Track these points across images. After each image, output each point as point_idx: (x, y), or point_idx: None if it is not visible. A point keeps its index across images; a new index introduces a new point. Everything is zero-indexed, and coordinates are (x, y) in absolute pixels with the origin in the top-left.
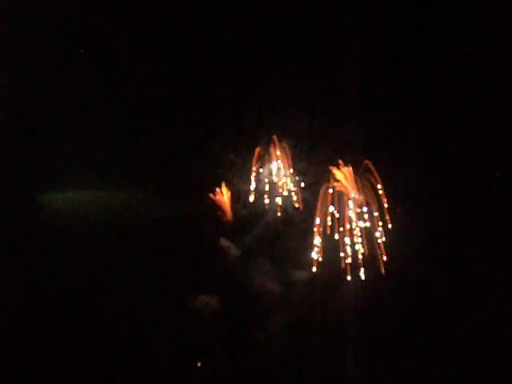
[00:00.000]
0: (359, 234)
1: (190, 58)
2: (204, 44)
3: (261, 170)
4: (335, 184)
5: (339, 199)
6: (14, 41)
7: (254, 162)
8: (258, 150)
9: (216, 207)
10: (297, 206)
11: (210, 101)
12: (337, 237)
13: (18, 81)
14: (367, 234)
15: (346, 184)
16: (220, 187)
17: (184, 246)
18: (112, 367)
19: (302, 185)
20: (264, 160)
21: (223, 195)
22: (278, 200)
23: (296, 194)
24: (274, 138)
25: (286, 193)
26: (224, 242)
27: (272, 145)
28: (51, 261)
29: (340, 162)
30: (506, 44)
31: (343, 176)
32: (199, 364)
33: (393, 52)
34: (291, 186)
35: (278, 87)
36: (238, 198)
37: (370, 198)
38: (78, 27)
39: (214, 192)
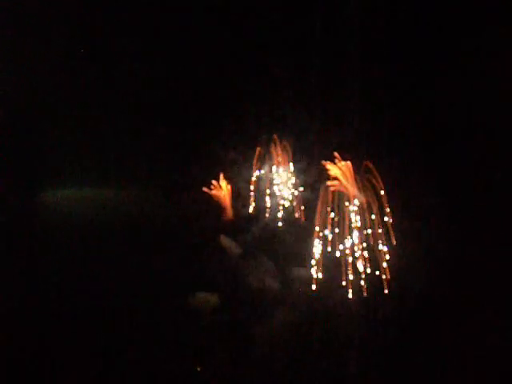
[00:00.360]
0: (361, 249)
1: (190, 58)
2: (204, 44)
3: (262, 170)
4: (333, 183)
5: (339, 202)
6: (14, 41)
7: (254, 161)
8: (258, 149)
9: (216, 205)
10: (297, 215)
11: (210, 100)
12: (338, 254)
13: (18, 80)
14: (370, 250)
15: (346, 183)
16: (218, 180)
17: (184, 244)
18: (111, 366)
19: (301, 188)
20: (265, 159)
21: (221, 189)
22: (280, 201)
23: (296, 203)
24: (275, 136)
25: (286, 194)
26: (224, 240)
27: (272, 144)
28: (50, 258)
29: (336, 155)
30: (506, 44)
31: (341, 173)
32: (199, 369)
33: (393, 52)
34: (291, 191)
35: (279, 86)
36: (238, 196)
37: (372, 203)
38: (78, 27)
39: (209, 186)
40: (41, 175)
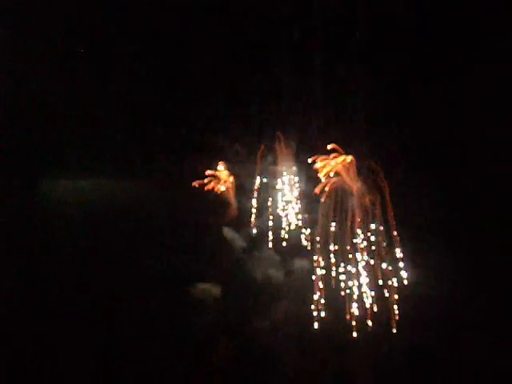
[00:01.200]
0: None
1: (192, 55)
2: (209, 41)
3: (265, 166)
4: (334, 179)
5: (341, 205)
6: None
7: (258, 158)
8: (262, 146)
9: (220, 198)
10: (305, 243)
11: (215, 97)
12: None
13: (18, 80)
14: (376, 282)
15: (347, 178)
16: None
17: (188, 237)
18: (111, 361)
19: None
20: (268, 156)
21: (221, 180)
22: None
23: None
24: (279, 134)
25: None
26: (228, 233)
27: (276, 141)
28: (49, 250)
29: (337, 148)
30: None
31: (343, 168)
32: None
33: (394, 52)
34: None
35: (282, 84)
36: (241, 189)
37: (376, 201)
38: (78, 27)
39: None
40: (40, 174)
